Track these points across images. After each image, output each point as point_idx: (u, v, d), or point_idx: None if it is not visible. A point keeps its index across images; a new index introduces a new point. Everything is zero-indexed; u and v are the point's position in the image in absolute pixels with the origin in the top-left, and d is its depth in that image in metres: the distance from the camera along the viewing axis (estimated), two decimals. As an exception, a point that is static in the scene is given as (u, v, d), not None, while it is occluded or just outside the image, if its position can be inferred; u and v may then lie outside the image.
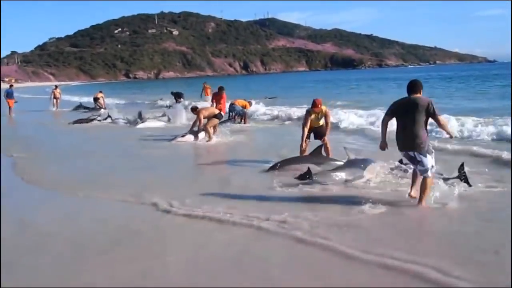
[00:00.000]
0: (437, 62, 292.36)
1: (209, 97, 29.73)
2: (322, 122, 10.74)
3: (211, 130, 15.06)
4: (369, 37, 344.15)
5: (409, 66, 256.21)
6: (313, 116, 10.50)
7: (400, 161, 8.98)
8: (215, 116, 15.31)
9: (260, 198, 7.81)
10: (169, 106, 28.04)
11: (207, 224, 6.50)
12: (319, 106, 10.38)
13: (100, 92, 32.95)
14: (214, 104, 18.68)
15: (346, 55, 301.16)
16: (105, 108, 29.24)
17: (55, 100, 33.49)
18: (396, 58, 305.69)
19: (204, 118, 15.23)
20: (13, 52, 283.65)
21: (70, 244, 5.91)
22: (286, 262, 5.25)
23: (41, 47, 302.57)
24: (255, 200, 7.72)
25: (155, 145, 14.96)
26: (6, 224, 6.78)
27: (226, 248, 5.65)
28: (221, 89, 19.27)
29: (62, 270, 5.11)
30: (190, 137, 15.11)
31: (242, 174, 9.94)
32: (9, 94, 29.30)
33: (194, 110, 16.03)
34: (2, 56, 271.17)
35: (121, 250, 5.60)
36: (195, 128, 15.51)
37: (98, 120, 22.70)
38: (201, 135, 15.23)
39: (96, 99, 31.74)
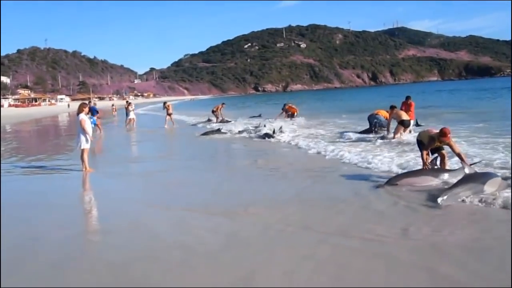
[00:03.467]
0: None
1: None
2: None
3: (398, 135, 16.17)
4: (509, 43, 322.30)
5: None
6: (437, 143, 9.80)
7: None
8: (402, 122, 16.21)
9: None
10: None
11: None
12: (448, 136, 9.57)
13: (222, 104, 32.77)
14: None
15: (482, 63, 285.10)
16: (221, 120, 29.53)
17: (168, 117, 29.75)
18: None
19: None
20: (152, 69, 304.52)
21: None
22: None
23: (177, 64, 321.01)
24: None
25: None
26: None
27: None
28: (408, 97, 19.04)
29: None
30: None
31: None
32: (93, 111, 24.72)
33: (393, 108, 17.72)
34: (142, 73, 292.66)
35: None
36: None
37: (224, 132, 22.83)
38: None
39: (214, 111, 31.88)
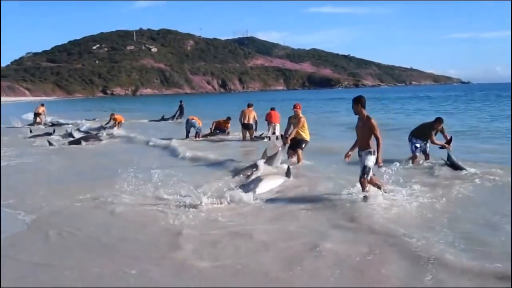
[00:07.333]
0: (413, 82, 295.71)
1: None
2: None
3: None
4: (346, 57, 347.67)
5: (385, 86, 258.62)
6: None
7: None
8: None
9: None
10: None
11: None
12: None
13: (42, 105, 31.56)
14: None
15: (324, 75, 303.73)
16: (45, 124, 28.76)
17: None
18: (372, 78, 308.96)
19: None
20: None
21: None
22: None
23: (18, 62, 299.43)
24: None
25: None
26: None
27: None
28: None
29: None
30: None
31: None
32: None
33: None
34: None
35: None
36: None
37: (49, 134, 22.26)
38: None
39: (36, 114, 30.29)
